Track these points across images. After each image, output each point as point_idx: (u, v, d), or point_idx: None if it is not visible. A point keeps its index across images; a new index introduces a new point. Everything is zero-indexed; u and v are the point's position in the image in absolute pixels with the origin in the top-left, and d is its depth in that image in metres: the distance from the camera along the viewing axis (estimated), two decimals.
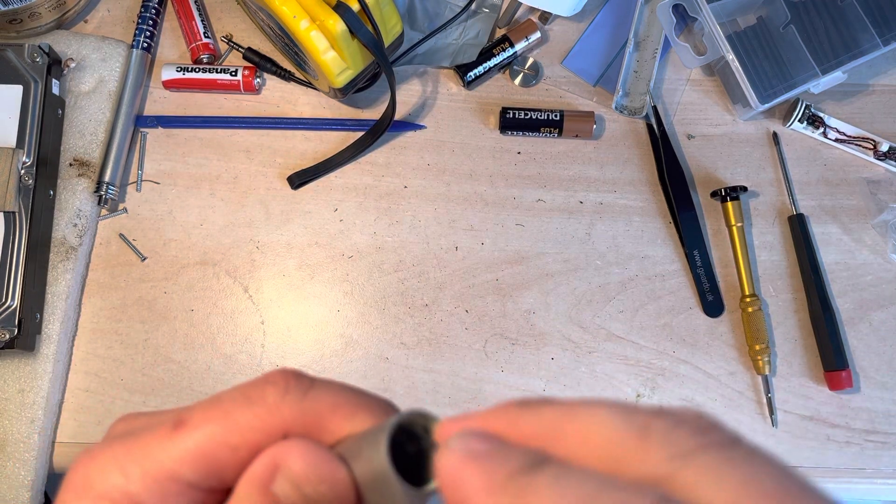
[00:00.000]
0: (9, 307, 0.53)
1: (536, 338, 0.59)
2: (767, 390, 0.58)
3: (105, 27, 0.63)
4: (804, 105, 0.61)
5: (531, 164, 0.62)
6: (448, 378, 0.58)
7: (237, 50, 0.62)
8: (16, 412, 0.54)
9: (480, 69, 0.61)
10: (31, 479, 0.54)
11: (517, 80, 0.63)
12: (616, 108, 0.62)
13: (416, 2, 0.62)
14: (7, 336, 0.52)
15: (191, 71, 0.61)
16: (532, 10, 0.63)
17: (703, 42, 0.61)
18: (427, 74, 0.63)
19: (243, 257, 0.60)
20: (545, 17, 0.63)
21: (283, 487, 0.18)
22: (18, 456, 0.54)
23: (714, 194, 0.61)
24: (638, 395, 0.58)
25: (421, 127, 0.62)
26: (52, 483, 0.56)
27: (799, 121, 0.61)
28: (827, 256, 0.61)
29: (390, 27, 0.55)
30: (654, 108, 0.62)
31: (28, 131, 0.56)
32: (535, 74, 0.63)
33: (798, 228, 0.60)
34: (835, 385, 0.57)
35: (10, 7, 0.56)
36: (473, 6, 0.63)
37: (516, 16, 0.63)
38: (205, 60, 0.62)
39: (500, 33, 0.63)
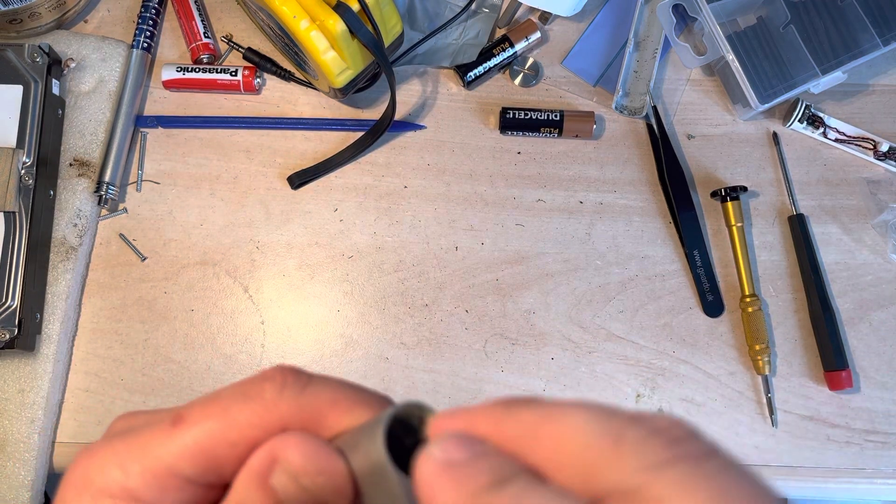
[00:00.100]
0: (9, 307, 0.53)
1: (536, 338, 0.59)
2: (767, 390, 0.58)
3: (105, 27, 0.63)
4: (804, 105, 0.61)
5: (531, 164, 0.62)
6: (448, 378, 0.58)
7: (237, 50, 0.62)
8: (16, 412, 0.54)
9: (480, 69, 0.61)
10: (31, 479, 0.54)
11: (517, 80, 0.63)
12: (616, 108, 0.62)
13: (416, 2, 0.62)
14: (7, 336, 0.52)
15: (191, 71, 0.61)
16: (532, 10, 0.63)
17: (703, 42, 0.61)
18: (427, 74, 0.63)
19: (243, 257, 0.60)
20: (545, 17, 0.63)
21: (281, 480, 0.18)
22: (18, 456, 0.54)
23: (714, 194, 0.61)
24: (638, 395, 0.58)
25: (421, 127, 0.62)
26: (52, 483, 0.56)
27: (799, 121, 0.61)
28: (827, 256, 0.61)
29: (390, 27, 0.55)
30: (654, 108, 0.62)
31: (28, 131, 0.56)
32: (535, 74, 0.63)
33: (798, 228, 0.60)
34: (835, 385, 0.57)
35: (10, 7, 0.56)
36: (473, 6, 0.63)
37: (516, 16, 0.63)
38: (205, 60, 0.62)
39: (500, 33, 0.63)
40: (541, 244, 0.60)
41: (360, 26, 0.51)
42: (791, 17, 0.59)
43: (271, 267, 0.60)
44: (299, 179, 0.60)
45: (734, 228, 0.60)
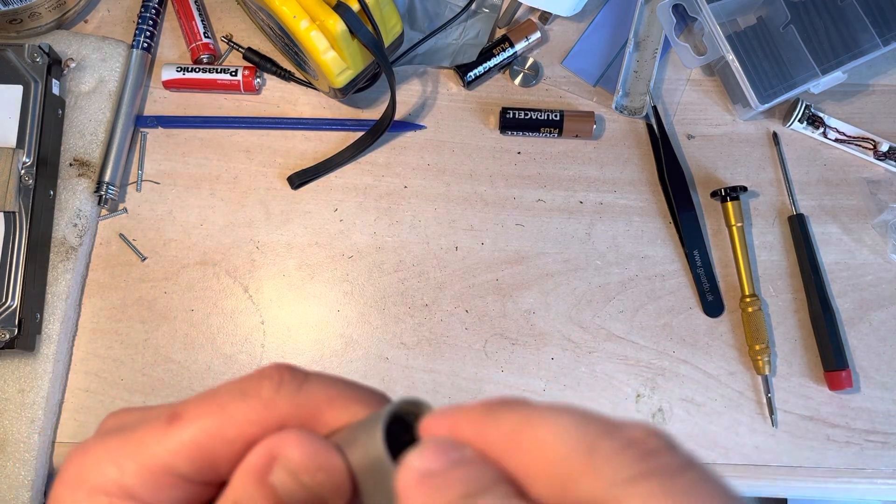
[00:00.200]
0: (9, 307, 0.53)
1: (536, 338, 0.59)
2: (767, 390, 0.58)
3: (105, 27, 0.63)
4: (804, 105, 0.61)
5: (531, 164, 0.62)
6: (448, 378, 0.58)
7: (237, 50, 0.62)
8: (16, 412, 0.54)
9: (480, 69, 0.61)
10: (31, 479, 0.54)
11: (517, 80, 0.63)
12: (616, 108, 0.62)
13: (416, 2, 0.62)
14: (7, 336, 0.52)
15: (191, 71, 0.61)
16: (532, 10, 0.63)
17: (703, 42, 0.61)
18: (427, 74, 0.63)
19: (243, 257, 0.60)
20: (545, 17, 0.63)
21: (281, 477, 0.18)
22: (18, 456, 0.54)
23: (714, 194, 0.61)
24: (638, 395, 0.58)
25: (421, 127, 0.62)
26: (52, 483, 0.56)
27: (799, 121, 0.61)
28: (827, 256, 0.61)
29: (390, 27, 0.55)
30: (654, 108, 0.62)
31: (28, 131, 0.56)
32: (535, 74, 0.63)
33: (798, 228, 0.60)
34: (835, 385, 0.57)
35: (10, 7, 0.56)
36: (473, 6, 0.63)
37: (516, 16, 0.63)
38: (205, 60, 0.62)
39: (500, 33, 0.63)
40: (541, 244, 0.60)
41: (360, 26, 0.51)
42: (791, 17, 0.59)
43: (271, 267, 0.60)
44: (299, 179, 0.60)
45: (734, 228, 0.60)
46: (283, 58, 0.62)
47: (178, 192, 0.61)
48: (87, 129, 0.60)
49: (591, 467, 0.15)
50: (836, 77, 0.59)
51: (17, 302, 0.53)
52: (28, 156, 0.55)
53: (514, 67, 0.63)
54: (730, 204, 0.60)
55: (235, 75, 0.60)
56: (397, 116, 0.61)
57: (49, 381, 0.55)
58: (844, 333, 0.59)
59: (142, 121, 0.61)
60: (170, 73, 0.61)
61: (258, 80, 0.61)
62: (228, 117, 0.62)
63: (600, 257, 0.60)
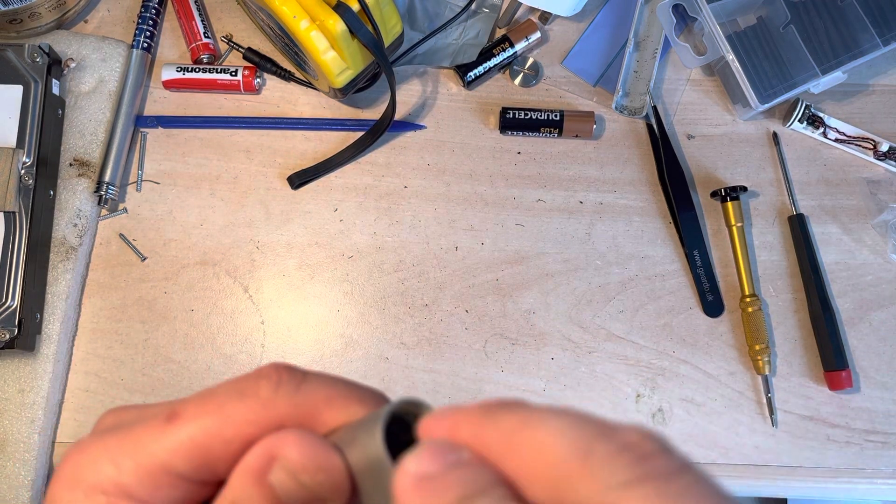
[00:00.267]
0: (9, 307, 0.53)
1: (536, 338, 0.59)
2: (767, 390, 0.58)
3: (105, 27, 0.63)
4: (804, 105, 0.61)
5: (531, 164, 0.62)
6: (448, 378, 0.58)
7: (237, 50, 0.62)
8: (16, 412, 0.54)
9: (480, 69, 0.61)
10: (31, 479, 0.54)
11: (517, 80, 0.63)
12: (616, 108, 0.62)
13: (416, 2, 0.62)
14: (7, 336, 0.52)
15: (191, 71, 0.61)
16: (532, 10, 0.63)
17: (703, 42, 0.61)
18: (427, 74, 0.63)
19: (243, 257, 0.60)
20: (545, 17, 0.63)
21: (280, 477, 0.18)
22: (18, 456, 0.54)
23: (714, 194, 0.61)
24: (638, 395, 0.58)
25: (421, 127, 0.62)
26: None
27: (799, 121, 0.61)
28: (827, 256, 0.61)
29: (390, 27, 0.55)
30: (654, 108, 0.62)
31: (28, 131, 0.56)
32: (535, 74, 0.63)
33: (798, 228, 0.60)
34: (835, 385, 0.57)
35: (10, 7, 0.56)
36: (473, 6, 0.63)
37: (516, 16, 0.63)
38: (205, 60, 0.62)
39: (500, 33, 0.63)
40: (541, 244, 0.60)
41: (360, 26, 0.51)
42: (791, 17, 0.59)
43: (271, 267, 0.60)
44: (299, 179, 0.60)
45: (734, 228, 0.60)
46: (283, 58, 0.62)
47: (178, 192, 0.61)
48: (87, 129, 0.60)
49: (586, 471, 0.15)
50: (836, 77, 0.59)
51: (17, 302, 0.53)
52: (28, 156, 0.55)
53: (514, 67, 0.63)
54: (730, 204, 0.60)
55: (235, 75, 0.60)
56: (397, 116, 0.61)
57: (49, 381, 0.55)
58: (844, 333, 0.59)
59: (142, 121, 0.61)
60: (170, 73, 0.61)
61: (258, 80, 0.61)
62: (228, 117, 0.62)
63: (600, 257, 0.60)
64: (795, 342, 0.59)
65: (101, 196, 0.58)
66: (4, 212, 0.54)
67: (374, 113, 0.62)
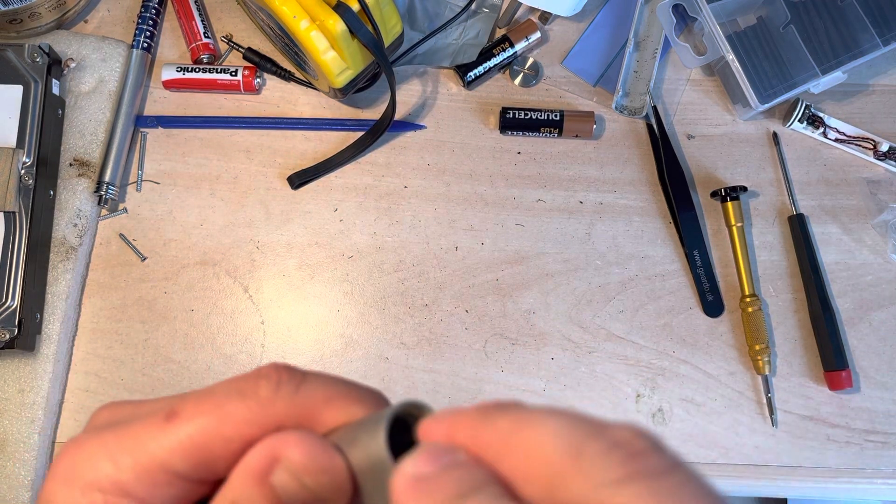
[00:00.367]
0: (9, 307, 0.53)
1: (536, 338, 0.59)
2: (767, 390, 0.58)
3: (105, 27, 0.63)
4: (804, 105, 0.61)
5: (531, 164, 0.62)
6: (448, 378, 0.58)
7: (237, 50, 0.62)
8: (16, 412, 0.54)
9: (480, 69, 0.61)
10: (31, 479, 0.54)
11: (517, 80, 0.63)
12: (616, 108, 0.62)
13: (416, 2, 0.62)
14: (7, 336, 0.52)
15: (191, 71, 0.61)
16: (532, 10, 0.63)
17: (703, 42, 0.61)
18: (427, 74, 0.63)
19: (243, 257, 0.60)
20: (545, 17, 0.63)
21: (283, 478, 0.18)
22: (18, 456, 0.54)
23: (714, 194, 0.61)
24: (638, 395, 0.58)
25: (421, 127, 0.62)
26: None
27: (799, 121, 0.61)
28: (827, 256, 0.61)
29: (390, 27, 0.55)
30: (654, 108, 0.62)
31: (28, 131, 0.56)
32: (535, 74, 0.63)
33: (798, 228, 0.60)
34: (835, 385, 0.57)
35: (10, 7, 0.56)
36: (473, 6, 0.63)
37: (516, 16, 0.63)
38: (205, 60, 0.62)
39: (500, 33, 0.63)
40: (541, 244, 0.60)
41: (360, 26, 0.51)
42: (791, 17, 0.59)
43: (271, 267, 0.60)
44: (299, 179, 0.60)
45: (734, 228, 0.60)
46: (283, 58, 0.62)
47: (178, 192, 0.61)
48: (87, 129, 0.60)
49: (578, 469, 0.15)
50: (836, 77, 0.59)
51: (17, 302, 0.53)
52: (28, 156, 0.55)
53: (514, 67, 0.63)
54: (730, 204, 0.60)
55: (235, 75, 0.60)
56: (397, 116, 0.61)
57: (49, 381, 0.55)
58: (844, 333, 0.59)
59: (142, 121, 0.61)
60: (170, 73, 0.61)
61: (258, 80, 0.61)
62: (228, 117, 0.62)
63: (600, 257, 0.60)
64: (795, 342, 0.59)
65: (101, 196, 0.58)
66: (4, 212, 0.54)
67: (374, 113, 0.62)
